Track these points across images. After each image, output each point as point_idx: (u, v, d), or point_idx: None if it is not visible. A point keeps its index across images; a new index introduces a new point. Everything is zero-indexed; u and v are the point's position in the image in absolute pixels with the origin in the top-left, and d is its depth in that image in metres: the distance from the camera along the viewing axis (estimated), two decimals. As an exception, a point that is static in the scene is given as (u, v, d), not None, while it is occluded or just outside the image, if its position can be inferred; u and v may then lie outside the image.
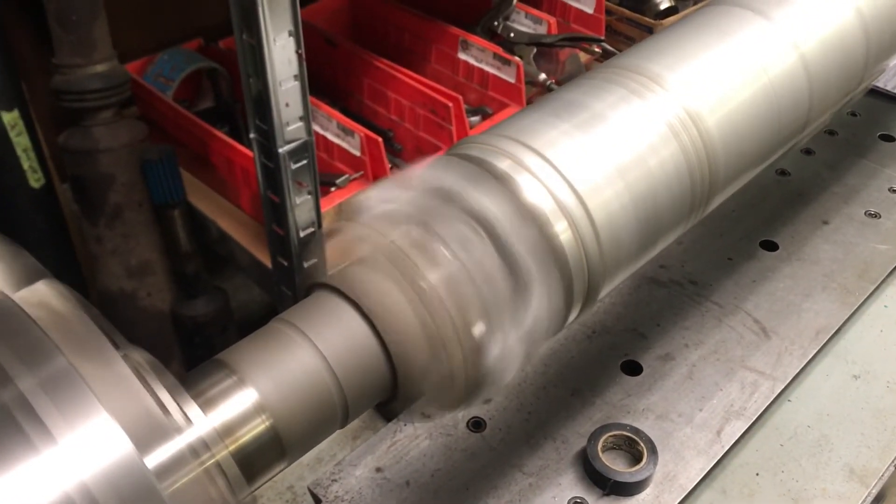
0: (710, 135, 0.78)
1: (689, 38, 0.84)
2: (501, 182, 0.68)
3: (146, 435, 0.46)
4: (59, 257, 1.58)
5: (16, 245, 0.53)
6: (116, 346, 0.48)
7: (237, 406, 0.57)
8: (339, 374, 0.60)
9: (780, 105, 0.84)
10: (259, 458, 0.58)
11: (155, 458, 0.46)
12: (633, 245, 0.75)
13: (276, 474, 0.61)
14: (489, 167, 0.69)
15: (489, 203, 0.66)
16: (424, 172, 0.69)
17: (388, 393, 0.65)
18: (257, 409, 0.57)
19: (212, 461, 0.50)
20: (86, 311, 0.50)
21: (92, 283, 1.64)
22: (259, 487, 0.61)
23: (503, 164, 0.69)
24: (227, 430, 0.56)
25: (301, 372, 0.59)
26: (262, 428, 0.57)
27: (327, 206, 1.37)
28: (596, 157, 0.72)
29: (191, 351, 1.68)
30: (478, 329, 0.63)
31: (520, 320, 0.66)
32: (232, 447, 0.55)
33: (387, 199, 0.67)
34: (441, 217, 0.64)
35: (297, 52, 1.09)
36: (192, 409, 0.52)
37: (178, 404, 0.51)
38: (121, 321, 1.63)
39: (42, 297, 0.50)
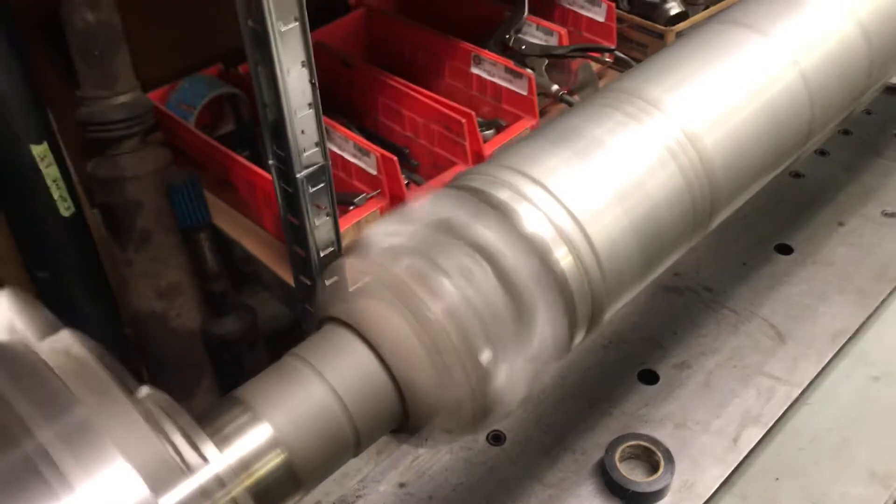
0: (708, 155, 0.79)
1: (687, 59, 0.86)
2: (501, 212, 0.70)
3: (160, 478, 0.49)
4: (92, 282, 1.63)
5: (33, 298, 0.56)
6: (131, 391, 0.51)
7: (252, 441, 0.60)
8: (350, 405, 0.63)
9: (780, 120, 0.85)
10: (275, 490, 0.60)
11: (169, 500, 0.49)
12: (635, 267, 0.76)
13: None
14: (489, 198, 0.72)
15: (489, 234, 0.68)
16: (426, 206, 0.71)
17: (399, 421, 0.68)
18: (272, 444, 0.60)
19: (226, 498, 0.53)
20: (102, 359, 0.53)
21: (123, 306, 1.68)
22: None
23: (503, 195, 0.72)
24: (243, 465, 0.58)
25: (313, 406, 0.62)
26: (277, 461, 0.60)
27: (346, 224, 1.40)
28: (594, 183, 0.74)
29: (221, 368, 1.72)
30: (483, 357, 0.65)
31: (524, 346, 0.68)
32: (248, 482, 0.58)
33: (391, 233, 0.69)
34: (443, 249, 0.67)
35: (310, 81, 1.12)
36: (208, 446, 0.55)
37: (193, 443, 0.54)
38: (152, 341, 1.67)
39: (65, 346, 0.54)
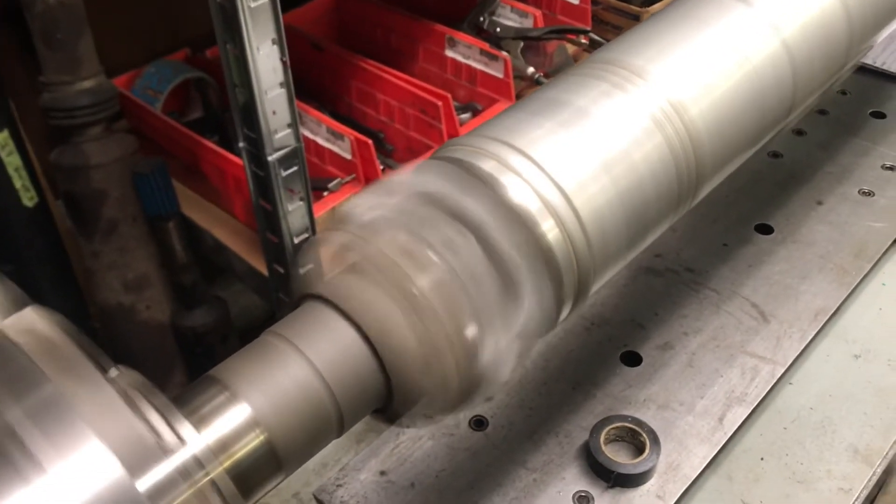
0: (694, 125, 0.78)
1: (670, 28, 0.84)
2: (486, 183, 0.68)
3: (137, 458, 0.46)
4: (57, 274, 1.59)
5: None
6: (104, 369, 0.48)
7: (231, 422, 0.57)
8: (332, 384, 0.61)
9: (765, 91, 0.84)
10: (255, 472, 0.58)
11: (147, 482, 0.46)
12: (621, 239, 0.75)
13: (274, 487, 0.61)
14: (474, 169, 0.69)
15: (475, 205, 0.66)
16: (409, 177, 0.69)
17: (383, 400, 0.65)
18: (251, 424, 0.57)
19: (206, 479, 0.50)
20: (72, 335, 0.50)
21: (90, 299, 1.64)
22: (258, 501, 0.61)
23: (488, 166, 0.69)
24: (221, 447, 0.56)
25: (293, 384, 0.60)
26: (256, 442, 0.57)
27: (321, 210, 1.37)
28: (580, 154, 0.72)
29: (193, 361, 1.69)
30: (469, 332, 0.63)
31: (511, 321, 0.66)
32: (227, 463, 0.55)
33: (373, 205, 0.67)
34: (427, 222, 0.65)
35: (281, 59, 1.09)
36: (185, 427, 0.52)
37: (170, 424, 0.51)
38: (121, 335, 1.63)
39: (29, 323, 0.50)
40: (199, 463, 0.51)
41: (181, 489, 0.48)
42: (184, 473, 0.49)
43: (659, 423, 1.02)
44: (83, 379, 0.47)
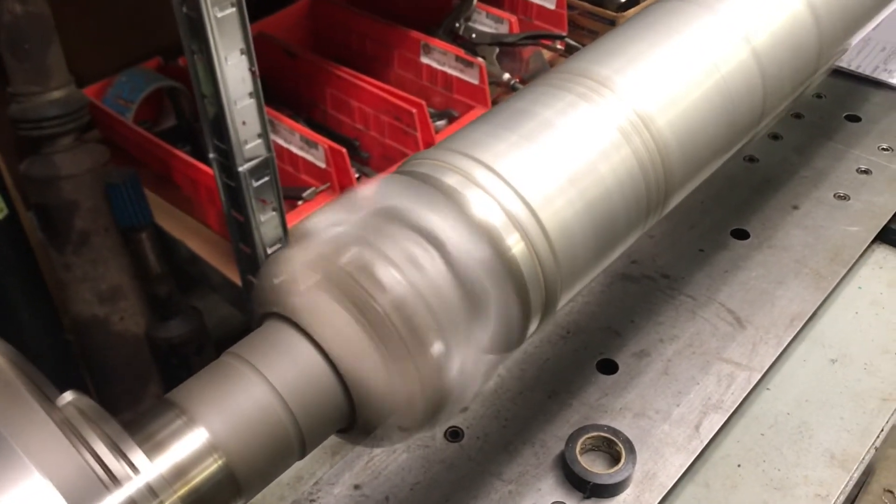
0: (662, 136, 0.77)
1: (637, 38, 0.83)
2: (450, 198, 0.67)
3: (81, 492, 0.44)
4: (29, 287, 1.56)
5: None
6: (48, 398, 0.47)
7: (187, 447, 0.56)
8: (293, 406, 0.59)
9: (734, 100, 0.84)
10: (213, 498, 0.56)
11: (92, 516, 0.45)
12: (589, 252, 0.74)
13: (235, 512, 0.60)
14: (437, 184, 0.68)
15: (438, 220, 0.64)
16: (373, 193, 0.67)
17: (347, 421, 0.64)
18: (209, 449, 0.56)
19: (158, 509, 0.49)
20: (16, 363, 0.48)
21: (64, 311, 1.62)
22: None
23: (451, 180, 0.68)
24: (177, 474, 0.54)
25: (253, 407, 0.58)
26: (214, 468, 0.56)
27: (295, 220, 1.36)
28: (546, 167, 0.71)
29: (168, 373, 1.67)
30: (434, 349, 0.62)
31: (477, 337, 0.65)
32: (182, 490, 0.54)
33: (335, 221, 0.65)
34: (390, 237, 0.63)
35: (250, 70, 1.08)
36: (137, 455, 0.50)
37: (122, 452, 0.49)
38: (95, 347, 1.61)
39: None
40: (151, 492, 0.50)
41: None
42: None
43: (635, 431, 1.02)
44: (25, 410, 0.45)
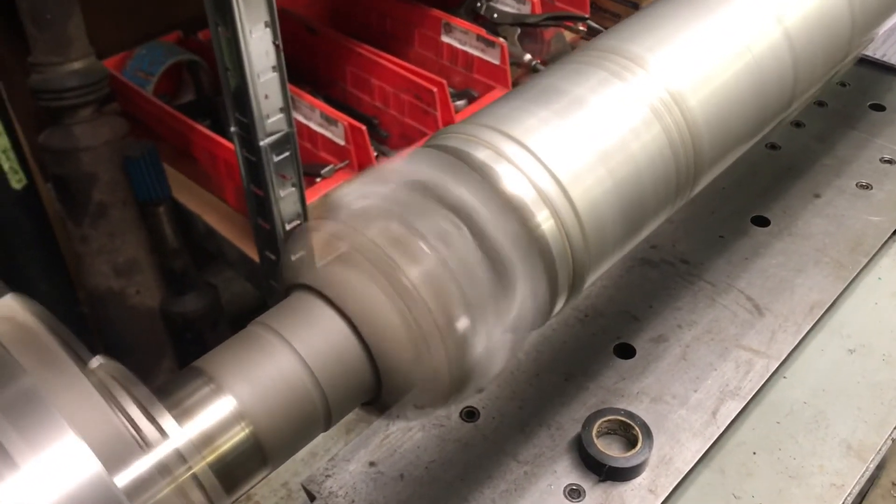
0: (693, 116, 0.76)
1: (670, 17, 0.82)
2: (480, 173, 0.67)
3: (115, 453, 0.44)
4: (45, 258, 1.56)
5: None
6: (83, 360, 0.47)
7: (215, 415, 0.56)
8: (320, 376, 0.59)
9: (765, 82, 0.83)
10: (240, 466, 0.56)
11: (125, 477, 0.45)
12: (617, 231, 0.73)
13: (260, 480, 0.60)
14: (467, 158, 0.68)
15: (468, 195, 0.64)
16: (402, 166, 0.67)
17: (372, 393, 0.64)
18: (236, 417, 0.56)
19: (187, 475, 0.49)
20: (52, 325, 0.48)
21: (79, 284, 1.62)
22: (243, 494, 0.60)
23: (482, 154, 0.68)
24: (205, 440, 0.54)
25: (280, 377, 0.58)
26: (241, 436, 0.56)
27: (313, 197, 1.35)
28: (577, 144, 0.71)
29: (182, 347, 1.67)
30: (461, 324, 0.62)
31: (504, 313, 0.64)
32: (210, 457, 0.54)
33: (364, 194, 0.65)
34: (419, 211, 0.63)
35: (274, 43, 1.07)
36: (167, 420, 0.50)
37: (151, 417, 0.49)
38: (110, 320, 1.62)
39: (9, 311, 0.49)
40: (180, 457, 0.50)
41: (161, 485, 0.47)
42: (164, 468, 0.47)
43: (652, 416, 1.01)
44: (61, 371, 0.45)
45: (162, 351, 1.68)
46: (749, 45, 0.82)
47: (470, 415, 1.06)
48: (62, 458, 0.42)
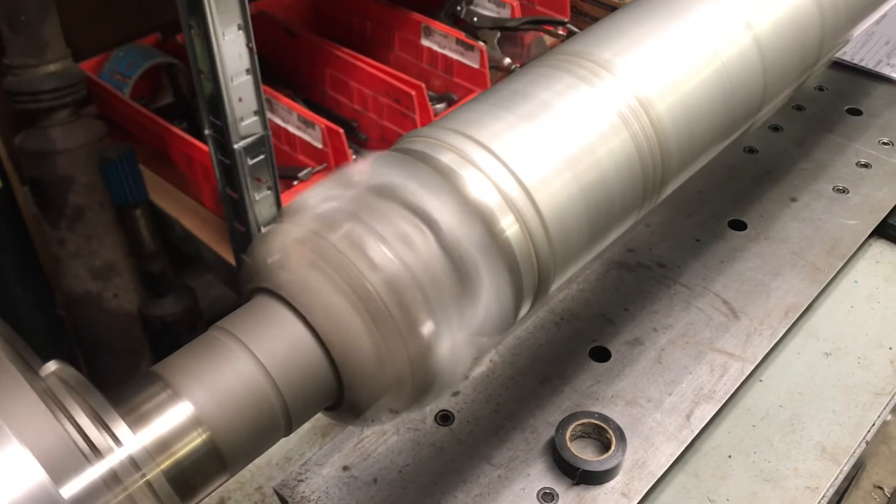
0: (661, 121, 0.76)
1: (638, 21, 0.82)
2: (445, 177, 0.66)
3: (62, 463, 0.44)
4: (22, 261, 1.55)
5: None
6: (32, 368, 0.46)
7: (171, 420, 0.55)
8: (280, 382, 0.59)
9: (734, 87, 0.83)
10: (197, 472, 0.56)
11: (72, 487, 0.44)
12: (583, 237, 0.73)
13: (219, 486, 0.60)
14: (432, 161, 0.68)
15: (432, 199, 0.64)
16: (366, 169, 0.67)
17: (334, 399, 0.63)
18: (193, 423, 0.55)
19: (140, 482, 0.48)
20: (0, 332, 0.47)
21: (57, 287, 1.61)
22: (202, 500, 0.59)
23: (446, 158, 0.68)
24: (160, 447, 0.54)
25: (239, 382, 0.58)
26: (198, 441, 0.56)
27: (290, 199, 1.34)
28: (543, 148, 0.70)
29: (160, 350, 1.66)
30: (424, 329, 0.61)
31: (468, 318, 0.64)
32: (165, 464, 0.53)
33: (327, 197, 0.65)
34: (382, 215, 0.63)
35: (247, 45, 1.07)
36: (120, 427, 0.50)
37: (103, 424, 0.49)
38: (88, 323, 1.61)
39: None
40: (133, 464, 0.49)
41: (111, 494, 0.46)
42: (113, 477, 0.47)
43: (626, 419, 1.01)
44: (5, 378, 0.44)
45: (140, 354, 1.67)
46: (718, 50, 0.82)
47: (445, 418, 1.05)
48: (5, 468, 0.41)
